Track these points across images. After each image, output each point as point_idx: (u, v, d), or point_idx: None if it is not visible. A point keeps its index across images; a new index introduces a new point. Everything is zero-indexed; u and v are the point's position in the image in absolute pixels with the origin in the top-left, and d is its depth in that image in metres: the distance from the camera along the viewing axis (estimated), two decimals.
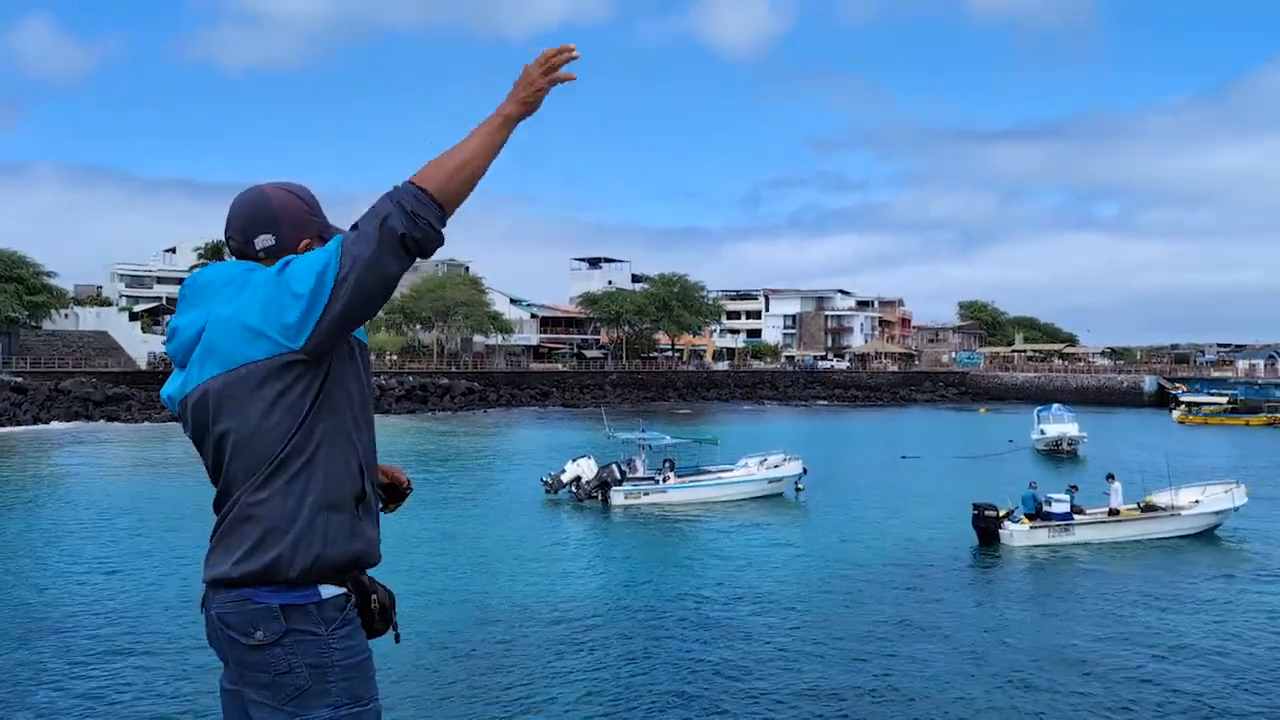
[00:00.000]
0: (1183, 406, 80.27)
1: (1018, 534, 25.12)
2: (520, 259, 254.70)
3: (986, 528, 25.23)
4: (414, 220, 2.30)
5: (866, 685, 14.58)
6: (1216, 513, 26.83)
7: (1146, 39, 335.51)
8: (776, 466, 35.05)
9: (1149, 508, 26.79)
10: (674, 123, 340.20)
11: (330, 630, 2.48)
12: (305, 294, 2.33)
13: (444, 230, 2.38)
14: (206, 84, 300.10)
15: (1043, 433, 52.27)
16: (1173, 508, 26.56)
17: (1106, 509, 26.39)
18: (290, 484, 2.45)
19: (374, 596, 2.63)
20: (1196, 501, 26.89)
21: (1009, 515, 25.57)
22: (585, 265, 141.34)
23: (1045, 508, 25.74)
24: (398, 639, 2.75)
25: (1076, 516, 25.84)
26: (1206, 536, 26.35)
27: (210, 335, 2.46)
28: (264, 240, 2.60)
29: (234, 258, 2.67)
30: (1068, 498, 26.07)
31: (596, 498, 32.35)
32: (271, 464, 2.45)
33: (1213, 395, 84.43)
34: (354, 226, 2.35)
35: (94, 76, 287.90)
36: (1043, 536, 25.25)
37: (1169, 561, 23.78)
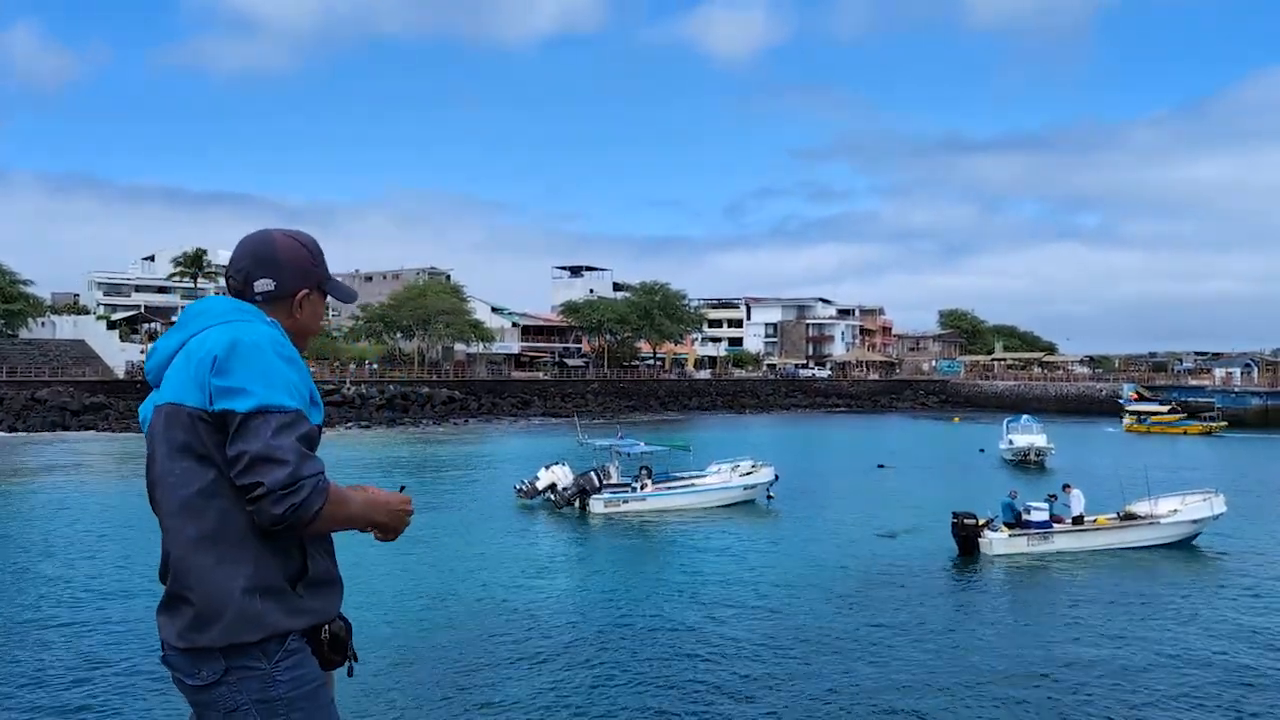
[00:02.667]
0: (1130, 416, 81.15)
1: (997, 543, 25.20)
2: (502, 268, 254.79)
3: (966, 536, 25.30)
4: (292, 513, 2.34)
5: (845, 697, 14.57)
6: (1195, 521, 26.99)
7: (1130, 53, 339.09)
8: (747, 474, 35.20)
9: (1128, 516, 26.95)
10: (659, 132, 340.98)
11: (273, 663, 2.42)
12: (230, 386, 2.37)
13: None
14: (189, 91, 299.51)
15: (1011, 443, 52.53)
16: (1151, 516, 26.73)
17: (1070, 519, 26.46)
18: (216, 568, 2.42)
19: (324, 628, 2.55)
20: (1175, 510, 27.07)
21: (988, 524, 25.67)
22: (567, 274, 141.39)
23: (1025, 516, 25.85)
24: (351, 672, 2.67)
25: (1055, 525, 25.97)
26: (1185, 545, 26.50)
27: (176, 362, 2.51)
28: (264, 284, 2.63)
29: (232, 296, 2.70)
30: (1047, 506, 26.19)
31: (574, 505, 32.34)
32: (187, 525, 2.42)
33: (1154, 404, 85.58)
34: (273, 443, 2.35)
35: (74, 83, 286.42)
36: (1022, 545, 25.33)
37: (1147, 570, 23.89)
